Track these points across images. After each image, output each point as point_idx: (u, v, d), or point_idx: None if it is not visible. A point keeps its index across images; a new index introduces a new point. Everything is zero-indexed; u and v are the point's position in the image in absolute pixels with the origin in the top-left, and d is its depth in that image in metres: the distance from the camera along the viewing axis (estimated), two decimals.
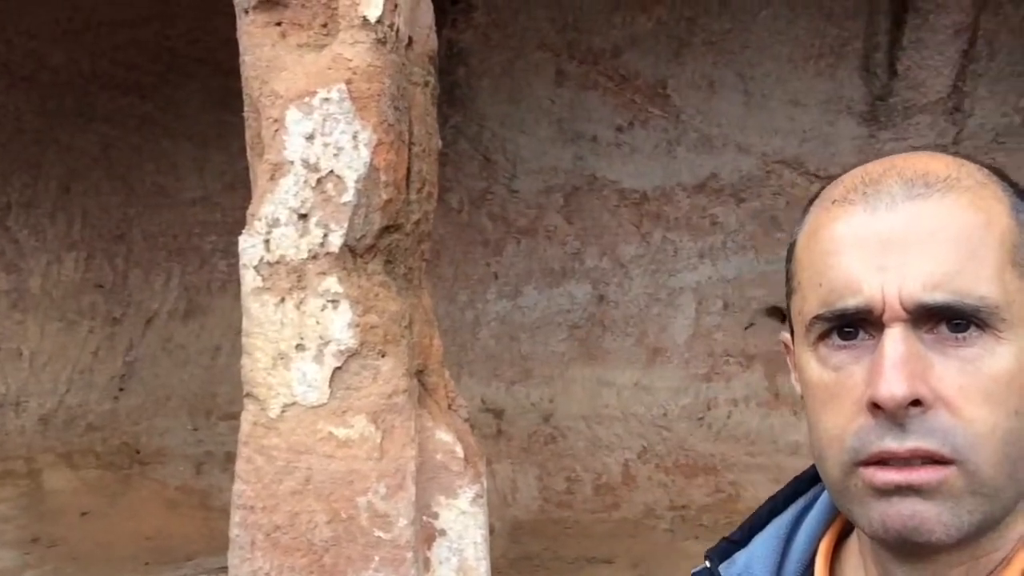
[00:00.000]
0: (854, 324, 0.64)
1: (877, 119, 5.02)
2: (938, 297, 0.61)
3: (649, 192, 5.30)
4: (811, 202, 0.71)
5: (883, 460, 0.61)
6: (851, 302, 0.63)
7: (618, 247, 5.34)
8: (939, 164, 0.65)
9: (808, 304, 0.66)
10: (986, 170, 0.67)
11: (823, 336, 0.65)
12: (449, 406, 2.27)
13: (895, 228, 0.62)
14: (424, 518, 2.09)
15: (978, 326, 0.61)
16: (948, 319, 0.61)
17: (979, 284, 0.61)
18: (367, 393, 2.02)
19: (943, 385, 0.61)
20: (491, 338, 5.34)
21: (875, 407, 0.60)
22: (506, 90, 5.29)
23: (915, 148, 5.03)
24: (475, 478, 2.13)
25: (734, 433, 5.16)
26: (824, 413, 0.65)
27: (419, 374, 2.22)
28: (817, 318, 0.65)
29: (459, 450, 2.14)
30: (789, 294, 0.71)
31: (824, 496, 0.74)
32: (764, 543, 0.77)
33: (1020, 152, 5.03)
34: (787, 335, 0.73)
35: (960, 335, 0.61)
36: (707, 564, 0.80)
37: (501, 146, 5.37)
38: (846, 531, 0.74)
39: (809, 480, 0.77)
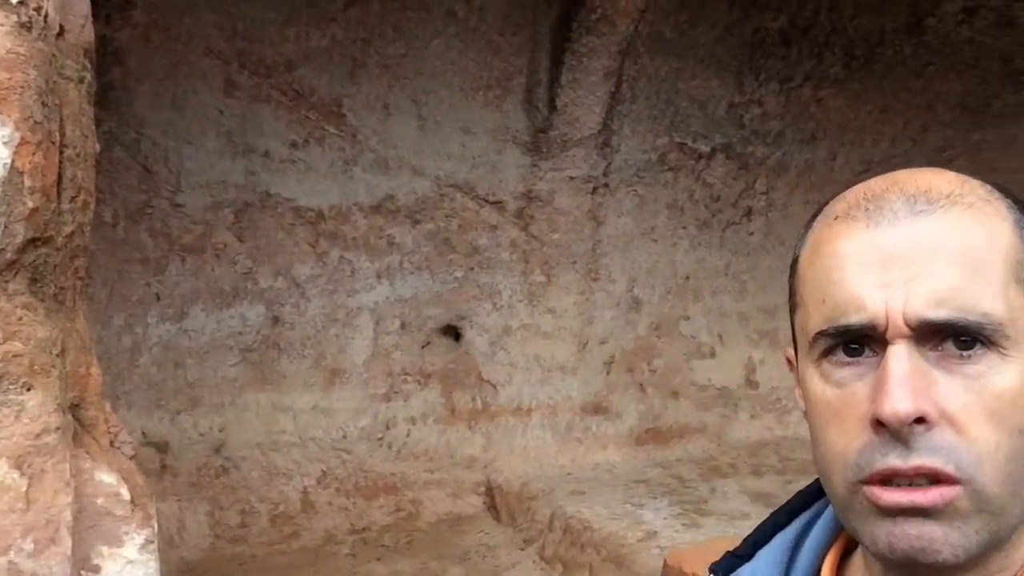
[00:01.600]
0: (858, 341, 0.63)
1: (539, 149, 5.42)
2: (942, 314, 0.60)
3: (325, 211, 5.22)
4: (813, 218, 0.70)
5: (887, 478, 0.60)
6: (855, 318, 0.62)
7: (293, 266, 5.18)
8: (942, 180, 0.65)
9: (811, 320, 0.65)
10: (989, 187, 0.66)
11: (827, 352, 0.64)
12: (111, 443, 2.01)
13: (898, 244, 0.62)
14: (83, 573, 1.82)
15: (983, 343, 0.61)
16: (953, 336, 0.61)
17: (983, 300, 0.61)
18: (9, 434, 1.72)
19: (948, 403, 0.60)
20: (153, 365, 4.89)
21: (879, 424, 0.60)
22: (168, 96, 4.91)
23: (572, 178, 5.53)
24: (144, 522, 1.90)
25: (413, 451, 5.23)
26: (828, 430, 0.64)
27: (74, 408, 1.94)
28: (821, 334, 0.64)
29: (124, 492, 1.90)
30: (792, 310, 0.70)
31: (829, 511, 0.74)
32: (768, 557, 0.75)
33: (657, 186, 5.72)
34: (791, 351, 0.72)
35: (966, 352, 0.61)
36: None
37: (163, 156, 4.96)
38: (851, 547, 0.73)
39: (814, 494, 0.76)
